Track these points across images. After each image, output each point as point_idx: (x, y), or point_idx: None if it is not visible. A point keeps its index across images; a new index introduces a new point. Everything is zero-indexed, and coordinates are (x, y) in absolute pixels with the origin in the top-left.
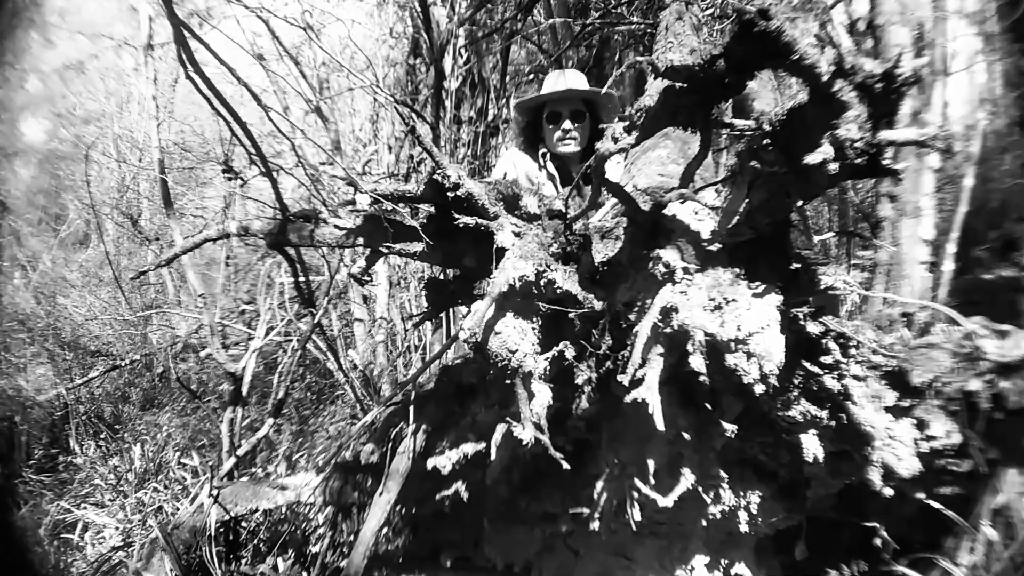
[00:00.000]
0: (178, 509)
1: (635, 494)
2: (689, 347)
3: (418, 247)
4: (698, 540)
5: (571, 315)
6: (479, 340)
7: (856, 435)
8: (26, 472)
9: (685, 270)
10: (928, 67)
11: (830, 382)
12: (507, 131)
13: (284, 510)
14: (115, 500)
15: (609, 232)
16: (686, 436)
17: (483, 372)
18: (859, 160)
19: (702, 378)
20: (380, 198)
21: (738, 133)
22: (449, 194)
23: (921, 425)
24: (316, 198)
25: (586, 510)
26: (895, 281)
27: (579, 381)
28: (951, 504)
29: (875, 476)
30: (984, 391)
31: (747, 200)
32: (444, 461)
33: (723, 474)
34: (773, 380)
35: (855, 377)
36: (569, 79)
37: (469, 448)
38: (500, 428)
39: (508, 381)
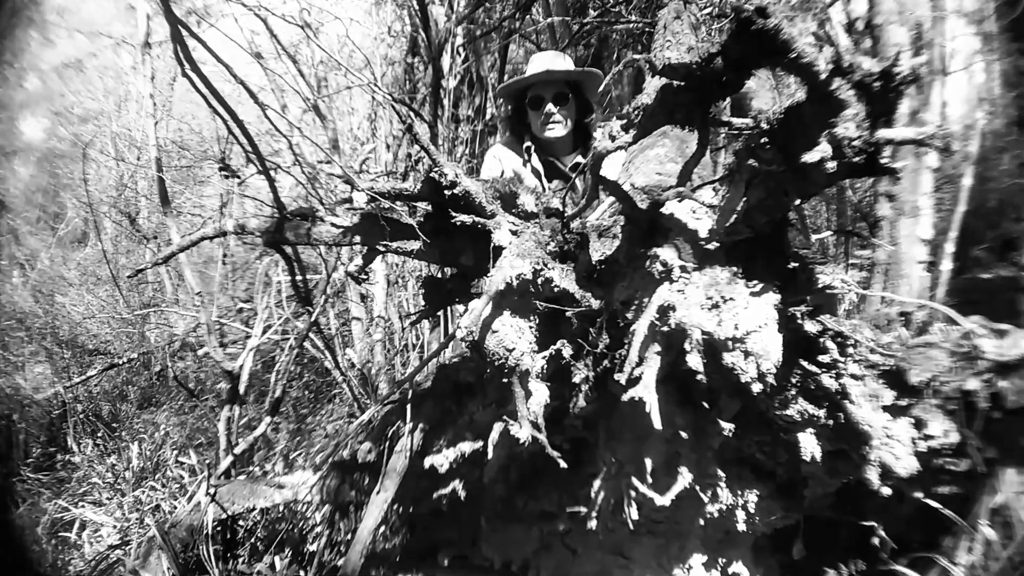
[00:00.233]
0: (175, 507)
1: (632, 493)
2: (686, 346)
3: (415, 245)
4: (696, 539)
5: (568, 313)
6: (476, 338)
7: (854, 434)
8: (24, 470)
9: (683, 268)
10: (927, 66)
11: (828, 381)
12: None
13: (281, 509)
14: (113, 498)
15: (607, 230)
16: (683, 435)
17: (480, 371)
18: (857, 159)
19: (699, 377)
20: (377, 196)
21: (736, 132)
22: (446, 192)
23: (919, 424)
24: (313, 196)
25: (583, 509)
26: (893, 280)
27: (576, 380)
28: (949, 503)
29: (873, 475)
30: (982, 390)
31: (745, 199)
32: (441, 460)
33: (720, 473)
34: (770, 379)
35: (853, 376)
36: (549, 61)
37: (466, 447)
38: (497, 427)
39: (505, 380)
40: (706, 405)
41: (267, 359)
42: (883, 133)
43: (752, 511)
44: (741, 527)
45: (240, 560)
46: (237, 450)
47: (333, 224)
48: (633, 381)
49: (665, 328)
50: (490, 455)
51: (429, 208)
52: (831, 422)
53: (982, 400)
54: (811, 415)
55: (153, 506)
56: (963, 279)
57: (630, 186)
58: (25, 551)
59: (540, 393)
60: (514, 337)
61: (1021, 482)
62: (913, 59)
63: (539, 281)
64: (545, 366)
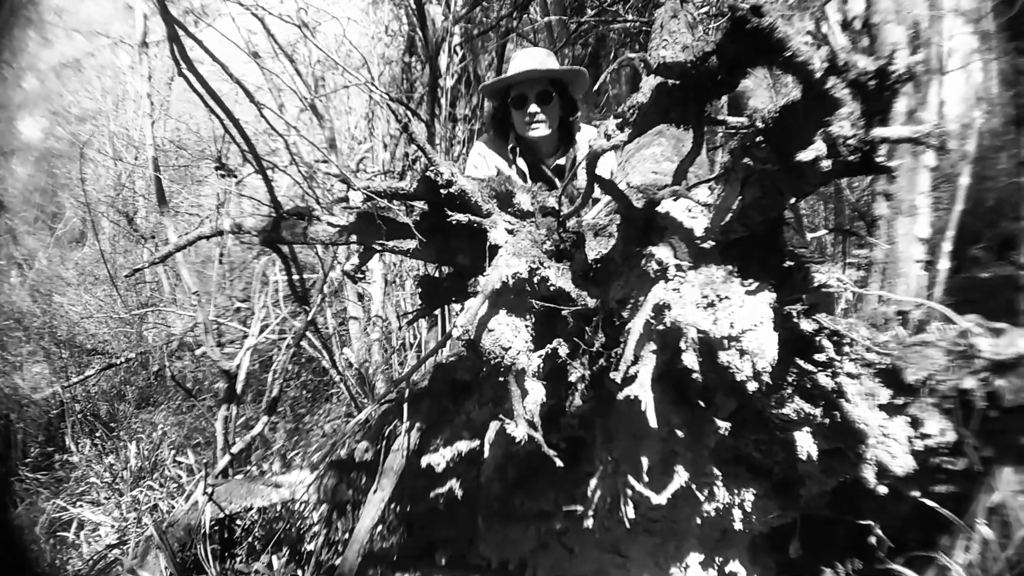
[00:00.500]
0: (173, 507)
1: (629, 492)
2: (682, 344)
3: (411, 244)
4: (692, 538)
5: (564, 312)
6: (472, 337)
7: (850, 433)
8: (22, 470)
9: (678, 267)
10: (924, 65)
11: (824, 380)
12: None
13: (279, 508)
14: (111, 498)
15: (602, 229)
16: (679, 433)
17: (477, 369)
18: (852, 157)
19: (695, 375)
20: (374, 195)
21: (731, 130)
22: (442, 191)
23: (915, 423)
24: (310, 196)
25: (580, 508)
26: (891, 279)
27: (572, 378)
28: (946, 502)
29: (869, 474)
30: (979, 389)
31: (740, 197)
32: (438, 459)
33: (717, 472)
34: (766, 378)
35: (849, 375)
36: (533, 59)
37: (463, 446)
38: (494, 426)
39: (501, 378)
40: (702, 404)
41: (264, 358)
42: (878, 132)
43: (749, 510)
44: (738, 526)
45: (238, 559)
46: (234, 449)
47: (330, 223)
48: (629, 380)
49: (661, 327)
50: (487, 454)
51: (425, 207)
52: (827, 421)
53: (979, 399)
54: (807, 414)
55: (151, 505)
56: (961, 278)
57: (626, 185)
58: (23, 551)
59: (536, 392)
60: (510, 336)
61: (1018, 481)
62: (908, 57)
63: (535, 280)
64: (541, 365)
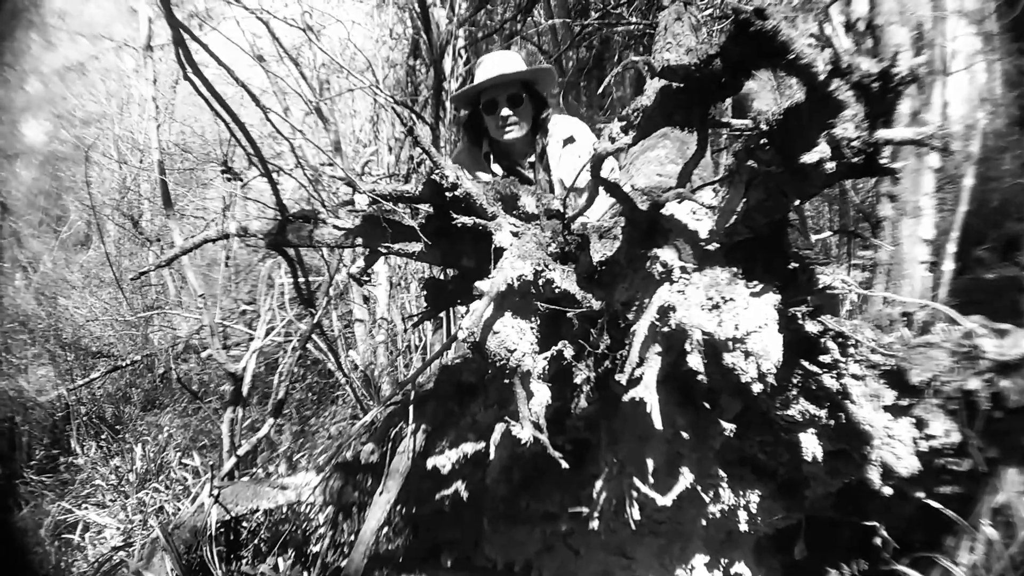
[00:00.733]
0: (179, 509)
1: (634, 493)
2: (687, 346)
3: (417, 247)
4: (698, 539)
5: (569, 314)
6: (478, 340)
7: (855, 434)
8: (27, 473)
9: (683, 269)
10: (927, 67)
11: (829, 381)
12: None
13: (285, 510)
14: (116, 500)
15: (607, 232)
16: (684, 435)
17: (482, 372)
18: (856, 159)
19: (700, 377)
20: (379, 198)
21: (736, 133)
22: (447, 194)
23: (920, 424)
24: (316, 199)
25: (586, 509)
26: (895, 280)
27: (578, 380)
28: (951, 503)
29: (874, 475)
30: (983, 390)
31: (744, 199)
32: (444, 460)
33: (722, 473)
34: (771, 379)
35: (854, 376)
36: (499, 63)
37: (469, 447)
38: (499, 427)
39: (507, 380)
40: (707, 405)
41: (270, 361)
42: (882, 133)
43: (754, 511)
44: (743, 527)
45: (244, 561)
46: (240, 452)
47: (335, 226)
48: (634, 382)
49: (665, 329)
50: (492, 456)
51: (431, 210)
52: (832, 422)
53: (983, 400)
54: (812, 415)
55: (157, 508)
56: (965, 279)
57: (630, 187)
58: (28, 553)
59: (541, 394)
60: (515, 338)
61: (1023, 482)
62: (912, 59)
63: (540, 282)
64: (546, 367)
